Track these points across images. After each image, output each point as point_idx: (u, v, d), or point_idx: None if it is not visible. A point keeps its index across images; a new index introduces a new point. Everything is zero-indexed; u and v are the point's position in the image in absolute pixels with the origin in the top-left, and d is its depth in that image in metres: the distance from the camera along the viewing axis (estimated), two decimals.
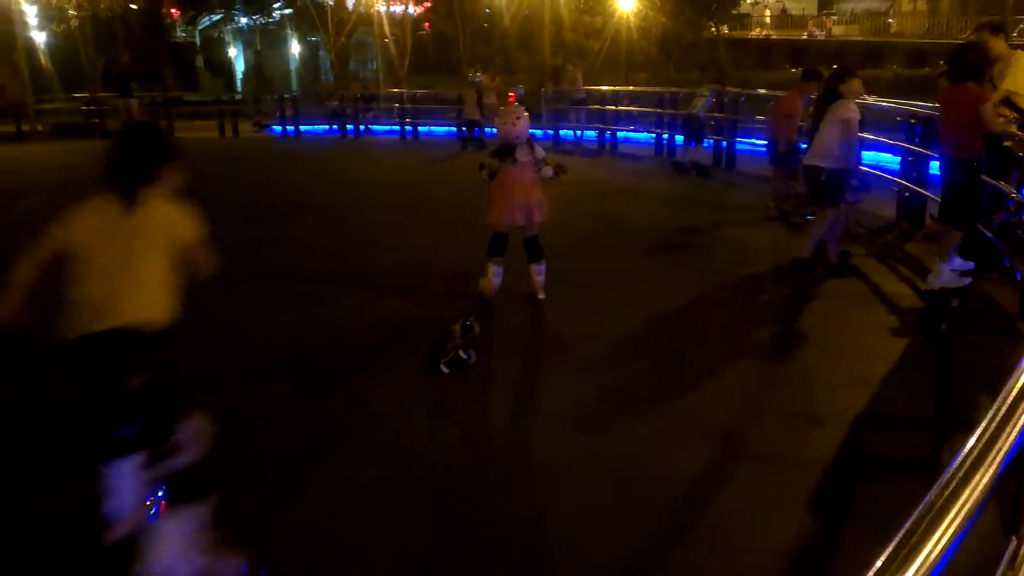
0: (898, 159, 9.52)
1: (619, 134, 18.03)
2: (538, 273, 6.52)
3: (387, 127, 23.89)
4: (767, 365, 5.19)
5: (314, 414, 4.53)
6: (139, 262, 2.90)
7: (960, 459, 1.44)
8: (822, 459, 3.87)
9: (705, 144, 13.76)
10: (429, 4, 45.81)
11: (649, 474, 3.77)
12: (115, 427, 2.88)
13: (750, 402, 4.59)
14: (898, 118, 9.40)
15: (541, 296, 6.51)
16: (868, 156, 11.09)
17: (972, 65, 6.00)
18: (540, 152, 6.20)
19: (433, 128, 22.61)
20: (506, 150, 6.16)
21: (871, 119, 10.99)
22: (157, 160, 3.08)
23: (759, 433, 4.24)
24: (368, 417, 4.50)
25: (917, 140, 8.73)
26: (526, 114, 6.28)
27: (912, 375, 4.93)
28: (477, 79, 23.63)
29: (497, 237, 6.40)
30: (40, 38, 36.79)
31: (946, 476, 1.38)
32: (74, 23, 31.06)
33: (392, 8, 42.89)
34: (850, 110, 6.77)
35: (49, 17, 32.97)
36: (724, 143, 14.12)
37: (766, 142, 10.73)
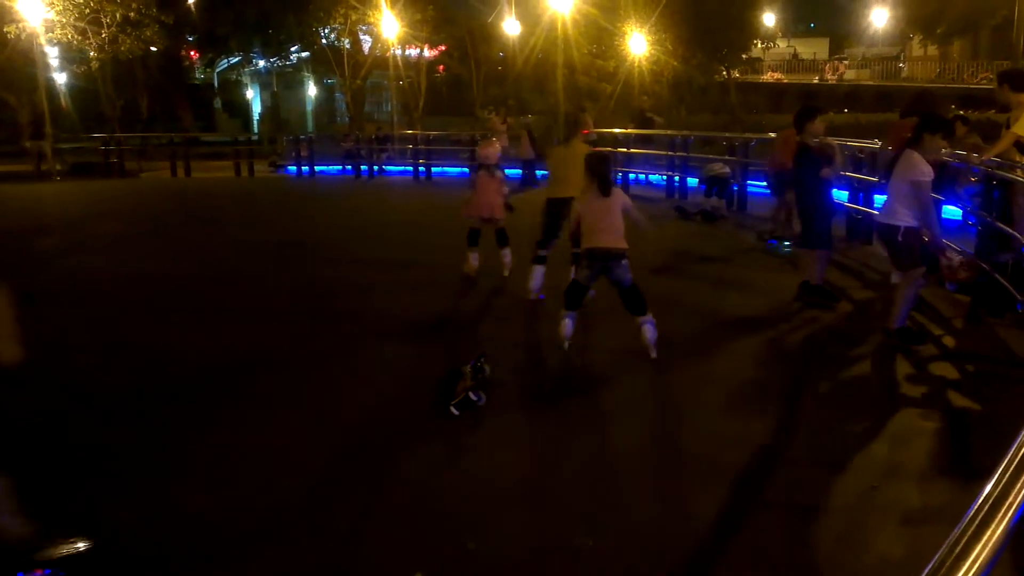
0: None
1: (630, 176, 18.12)
2: (505, 256, 8.68)
3: (401, 168, 24.10)
4: (785, 412, 5.13)
5: (321, 454, 4.50)
6: None
7: (974, 509, 1.41)
8: (838, 507, 3.82)
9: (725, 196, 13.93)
10: (444, 48, 46.46)
11: (664, 514, 3.72)
12: None
13: (767, 448, 4.54)
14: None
15: (506, 274, 8.59)
16: (879, 200, 11.11)
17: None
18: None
19: (447, 169, 22.80)
20: (480, 166, 8.74)
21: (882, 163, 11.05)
22: None
23: (775, 479, 4.19)
24: (375, 460, 4.46)
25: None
26: (496, 146, 9.10)
27: (927, 422, 4.86)
28: (527, 120, 24.02)
29: (472, 232, 8.64)
30: (61, 79, 37.52)
31: (960, 527, 1.36)
32: (95, 65, 31.63)
33: (407, 51, 43.59)
34: (920, 171, 6.00)
35: (70, 59, 33.62)
36: (735, 186, 14.16)
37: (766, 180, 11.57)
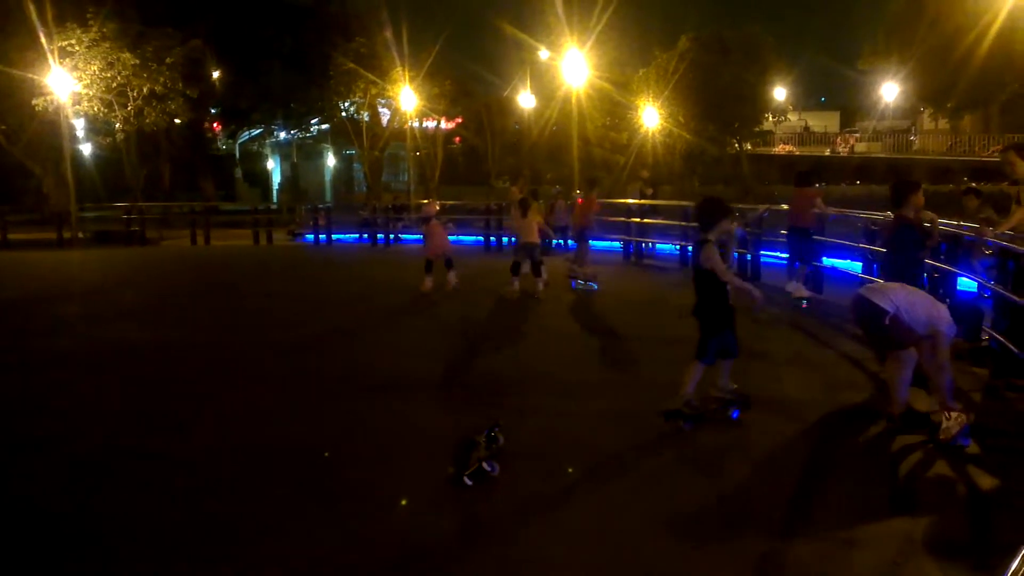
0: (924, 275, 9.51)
1: (643, 245, 18.28)
2: (451, 276, 12.75)
3: (416, 236, 24.36)
4: (803, 487, 5.07)
5: (327, 523, 4.46)
6: None
7: None
8: None
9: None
10: (460, 120, 47.43)
11: None
12: None
13: (786, 523, 4.48)
14: (874, 226, 9.46)
15: (450, 289, 12.55)
16: None
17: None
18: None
19: (462, 237, 23.02)
20: (428, 217, 13.02)
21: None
22: None
23: (795, 555, 4.12)
24: (386, 532, 4.43)
25: (942, 257, 8.73)
26: (435, 204, 14.21)
27: (947, 497, 4.79)
28: (557, 190, 24.45)
29: (427, 262, 12.69)
30: (86, 149, 38.47)
31: None
32: (120, 136, 32.46)
33: (424, 123, 44.51)
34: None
35: (96, 130, 34.52)
36: (749, 255, 14.22)
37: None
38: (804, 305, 11.10)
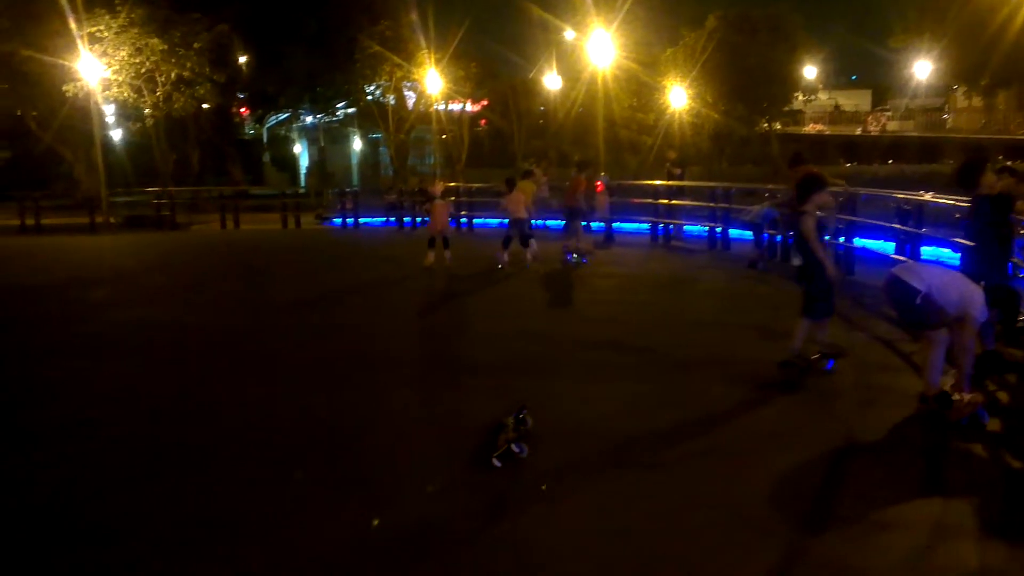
0: (958, 255, 9.34)
1: (671, 227, 18.12)
2: (447, 255, 13.38)
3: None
4: (834, 470, 5.02)
5: (357, 506, 4.50)
6: None
7: None
8: (895, 567, 3.73)
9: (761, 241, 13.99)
10: (486, 102, 47.27)
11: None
12: None
13: (817, 507, 4.45)
14: (957, 215, 9.27)
15: (447, 264, 13.26)
16: (927, 252, 10.96)
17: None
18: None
19: (488, 220, 22.99)
20: (433, 196, 13.85)
21: (929, 216, 10.93)
22: None
23: (825, 539, 4.09)
24: (416, 514, 4.45)
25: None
26: (441, 184, 15.23)
27: (980, 480, 4.73)
28: (574, 173, 24.23)
29: (430, 239, 13.48)
30: (116, 134, 38.85)
31: None
32: (149, 122, 32.74)
33: (450, 106, 44.43)
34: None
35: (126, 116, 34.84)
36: (779, 237, 14.07)
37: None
38: None
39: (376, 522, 4.24)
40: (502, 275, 13.01)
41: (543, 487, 4.59)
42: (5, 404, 6.73)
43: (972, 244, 7.03)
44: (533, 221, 15.03)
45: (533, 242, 13.91)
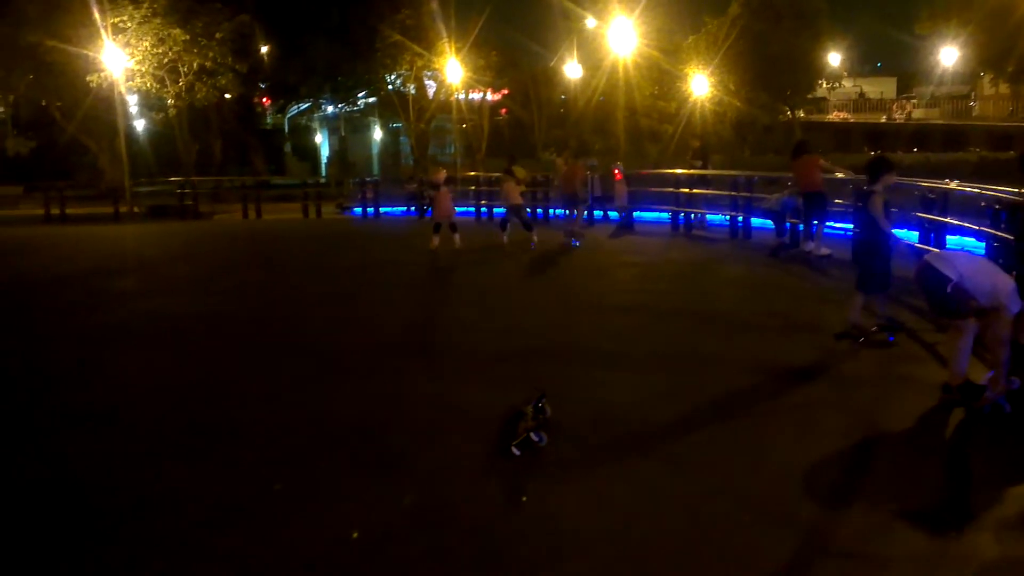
0: (983, 245, 9.24)
1: (692, 216, 17.99)
2: (456, 238, 13.85)
3: (463, 208, 24.34)
4: (858, 459, 4.99)
5: (378, 496, 4.53)
6: None
7: None
8: (919, 555, 3.72)
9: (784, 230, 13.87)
10: (506, 91, 47.13)
11: (731, 564, 3.65)
12: None
13: (839, 496, 4.43)
14: (983, 204, 9.14)
15: (456, 246, 13.81)
16: (952, 241, 10.82)
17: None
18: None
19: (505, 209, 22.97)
20: (436, 185, 14.10)
21: (954, 204, 10.78)
22: None
23: (850, 528, 4.08)
24: (435, 501, 4.47)
25: (1003, 226, 8.46)
26: (443, 173, 14.83)
27: (1000, 470, 4.69)
28: (592, 164, 24.16)
29: (436, 224, 13.87)
30: (140, 125, 39.16)
31: None
32: (172, 112, 32.96)
33: (471, 96, 44.35)
34: None
35: (149, 106, 35.09)
36: (801, 225, 13.94)
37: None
38: (829, 254, 11.85)
39: (407, 500, 4.31)
40: (520, 263, 13.03)
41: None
42: (22, 392, 6.84)
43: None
44: (560, 210, 16.52)
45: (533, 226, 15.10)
